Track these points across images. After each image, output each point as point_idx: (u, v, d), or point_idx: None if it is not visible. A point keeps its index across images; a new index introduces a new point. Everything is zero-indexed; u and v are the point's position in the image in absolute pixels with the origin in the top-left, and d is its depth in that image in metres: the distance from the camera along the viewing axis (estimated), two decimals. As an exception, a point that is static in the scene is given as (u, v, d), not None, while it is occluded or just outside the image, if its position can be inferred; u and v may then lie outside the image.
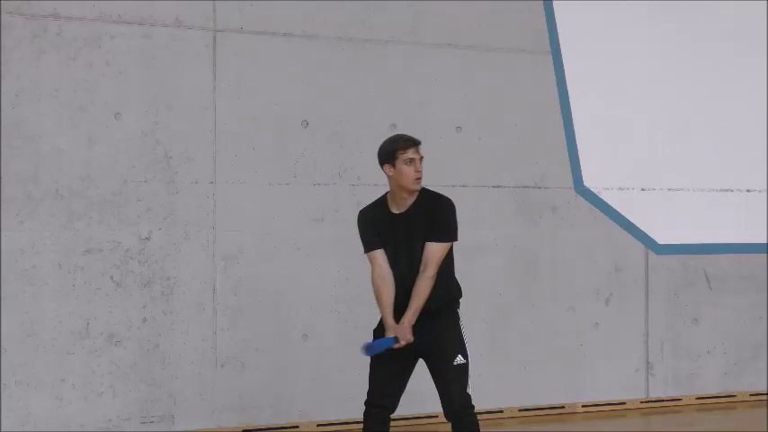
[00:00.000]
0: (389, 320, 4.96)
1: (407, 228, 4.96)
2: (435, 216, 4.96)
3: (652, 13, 8.01)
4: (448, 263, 5.06)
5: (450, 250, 5.07)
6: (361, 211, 5.18)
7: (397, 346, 4.92)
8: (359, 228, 5.14)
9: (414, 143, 5.00)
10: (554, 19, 7.74)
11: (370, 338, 5.16)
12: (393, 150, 4.98)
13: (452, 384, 4.94)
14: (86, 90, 6.49)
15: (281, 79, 6.95)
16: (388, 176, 5.01)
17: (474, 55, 7.50)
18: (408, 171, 4.94)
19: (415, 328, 4.95)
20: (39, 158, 6.38)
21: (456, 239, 5.02)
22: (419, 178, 4.96)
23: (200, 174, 6.74)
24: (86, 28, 6.49)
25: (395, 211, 5.03)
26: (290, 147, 6.98)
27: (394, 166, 4.97)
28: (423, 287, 4.93)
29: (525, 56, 7.65)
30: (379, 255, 5.04)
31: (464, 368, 4.96)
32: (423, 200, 5.00)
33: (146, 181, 6.61)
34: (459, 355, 4.95)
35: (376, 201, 5.15)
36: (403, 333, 4.91)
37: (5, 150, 6.31)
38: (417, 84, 7.33)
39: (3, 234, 6.30)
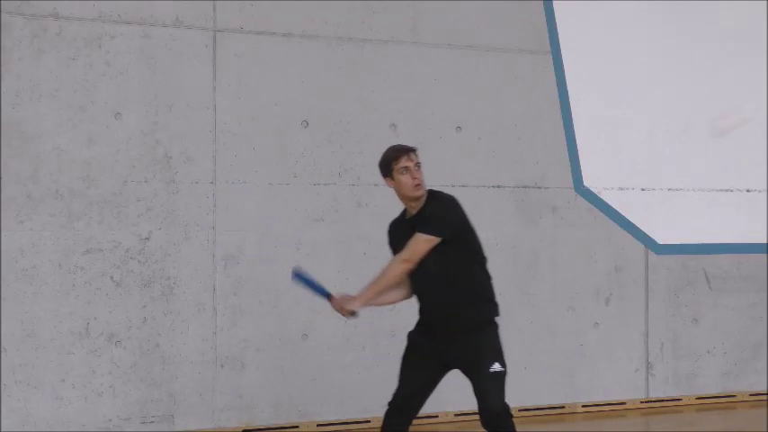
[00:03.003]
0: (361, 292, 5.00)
1: (412, 233, 4.91)
2: (426, 212, 4.93)
3: (652, 14, 8.01)
4: (471, 276, 4.95)
5: (472, 263, 4.97)
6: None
7: (331, 305, 4.98)
8: None
9: (405, 151, 4.97)
10: (554, 19, 7.74)
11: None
12: (387, 163, 4.97)
13: (490, 391, 4.85)
14: (86, 90, 6.49)
15: (281, 79, 6.95)
16: (393, 188, 5.00)
17: (474, 55, 7.50)
18: (405, 179, 4.91)
19: (452, 342, 4.93)
20: (39, 158, 6.38)
21: (437, 234, 4.84)
22: (418, 184, 4.91)
23: (200, 174, 6.74)
24: (86, 28, 6.49)
25: (407, 218, 5.03)
26: (290, 147, 6.98)
27: (393, 177, 4.95)
28: (388, 268, 4.92)
29: (525, 56, 7.65)
30: None
31: (501, 376, 4.88)
32: (428, 202, 4.96)
33: (146, 181, 6.61)
34: (497, 363, 4.87)
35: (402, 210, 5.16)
36: (345, 304, 4.93)
37: (5, 150, 6.31)
38: (417, 84, 7.32)
39: (3, 234, 6.30)
